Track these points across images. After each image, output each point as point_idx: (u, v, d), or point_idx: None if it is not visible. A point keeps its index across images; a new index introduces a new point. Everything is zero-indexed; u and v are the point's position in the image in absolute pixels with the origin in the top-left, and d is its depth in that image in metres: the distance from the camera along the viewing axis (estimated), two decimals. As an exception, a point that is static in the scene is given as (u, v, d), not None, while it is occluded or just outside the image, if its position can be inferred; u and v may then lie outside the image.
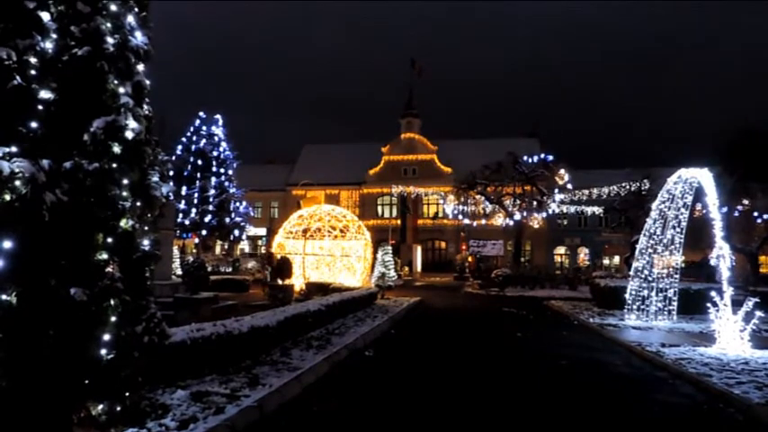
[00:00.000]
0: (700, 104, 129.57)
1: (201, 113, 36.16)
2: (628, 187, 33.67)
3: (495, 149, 38.51)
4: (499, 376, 8.44)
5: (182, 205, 32.57)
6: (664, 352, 9.95)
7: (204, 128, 35.92)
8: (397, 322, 14.80)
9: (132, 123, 4.72)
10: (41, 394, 4.00)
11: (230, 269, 32.24)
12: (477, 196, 35.85)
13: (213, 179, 34.50)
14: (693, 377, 8.01)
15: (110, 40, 4.66)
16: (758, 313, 10.25)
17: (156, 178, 5.09)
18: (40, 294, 4.08)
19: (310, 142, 59.83)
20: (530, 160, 34.60)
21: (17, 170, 3.87)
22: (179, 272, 18.74)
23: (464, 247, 43.98)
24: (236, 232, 35.62)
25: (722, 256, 11.42)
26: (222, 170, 35.18)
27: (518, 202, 34.97)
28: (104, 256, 4.45)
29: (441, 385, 7.68)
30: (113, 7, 4.78)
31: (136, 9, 5.08)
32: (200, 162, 34.62)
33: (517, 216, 33.86)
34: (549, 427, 5.92)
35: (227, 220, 34.54)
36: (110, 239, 4.49)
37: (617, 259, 44.85)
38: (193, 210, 33.47)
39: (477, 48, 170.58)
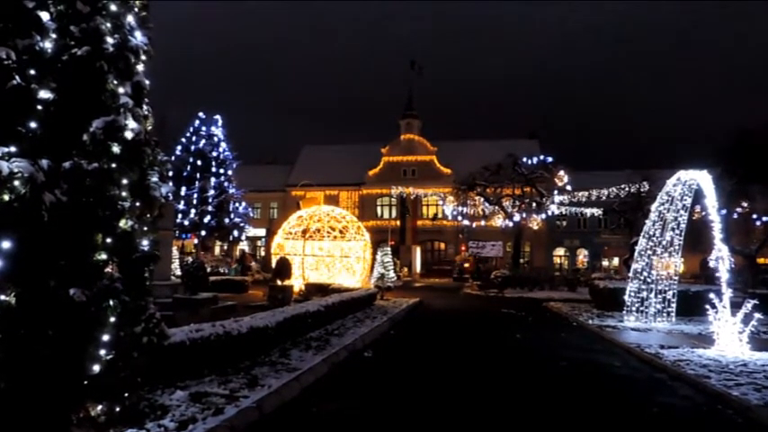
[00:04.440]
0: (699, 106, 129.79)
1: (201, 114, 36.17)
2: (627, 189, 33.64)
3: (494, 151, 38.53)
4: (498, 378, 8.44)
5: (181, 206, 32.52)
6: (662, 353, 9.95)
7: (204, 128, 35.89)
8: (397, 323, 14.80)
9: (132, 123, 4.72)
10: (40, 395, 4.00)
11: (231, 272, 32.20)
12: (477, 197, 35.79)
13: (212, 179, 34.45)
14: (692, 379, 8.02)
15: (109, 40, 4.66)
16: (757, 315, 10.26)
17: (155, 178, 5.08)
18: (39, 295, 4.07)
19: (310, 143, 59.84)
20: (529, 162, 34.59)
21: (16, 170, 3.87)
22: (178, 272, 18.72)
23: (463, 249, 43.97)
24: (236, 233, 35.59)
25: (721, 258, 11.43)
26: (221, 170, 35.15)
27: (517, 203, 34.95)
28: (103, 256, 4.44)
29: (440, 387, 7.68)
30: (113, 7, 4.77)
31: (135, 9, 5.08)
32: (199, 162, 34.58)
33: (516, 217, 33.84)
34: (549, 428, 5.92)
35: (227, 220, 34.50)
36: (109, 240, 4.48)
37: (616, 261, 44.87)
38: (193, 210, 33.42)
39: (478, 49, 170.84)
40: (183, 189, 33.29)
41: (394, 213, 49.93)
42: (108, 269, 4.51)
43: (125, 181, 4.63)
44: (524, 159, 34.60)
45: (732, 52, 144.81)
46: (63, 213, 4.20)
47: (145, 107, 5.10)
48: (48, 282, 4.15)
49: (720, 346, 10.39)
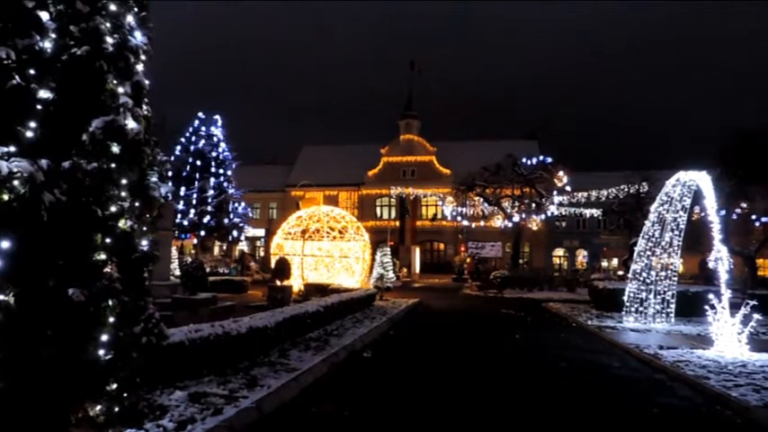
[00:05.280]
0: (699, 107, 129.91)
1: (201, 114, 36.15)
2: (626, 190, 33.66)
3: (494, 151, 38.54)
4: (498, 378, 8.44)
5: (180, 206, 32.50)
6: (662, 354, 9.96)
7: (203, 128, 35.88)
8: (396, 324, 14.79)
9: (131, 123, 4.71)
10: (39, 395, 3.99)
11: (231, 271, 32.15)
12: (476, 198, 35.80)
13: (212, 180, 34.46)
14: (691, 379, 8.02)
15: (109, 39, 4.66)
16: (756, 316, 10.26)
17: (154, 178, 5.08)
18: (38, 295, 4.06)
19: (309, 143, 59.93)
20: (529, 162, 34.61)
21: (16, 170, 3.86)
22: (177, 272, 18.71)
23: (463, 249, 43.98)
24: (235, 233, 35.57)
25: (720, 258, 11.44)
26: (221, 171, 35.14)
27: (517, 203, 34.95)
28: (103, 256, 4.43)
29: (439, 387, 7.68)
30: (113, 7, 4.77)
31: (135, 9, 5.07)
32: (198, 162, 34.58)
33: (516, 218, 33.84)
34: (549, 429, 5.92)
35: (226, 220, 34.48)
36: (108, 240, 4.47)
37: (615, 261, 44.88)
38: (192, 210, 33.41)
39: (477, 49, 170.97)
40: (183, 189, 33.28)
41: (393, 214, 49.99)
42: (107, 269, 4.50)
43: (124, 181, 4.62)
44: (524, 160, 34.62)
45: (731, 52, 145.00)
46: (62, 213, 4.20)
47: (144, 107, 5.10)
48: (47, 281, 4.14)
49: (719, 346, 10.39)
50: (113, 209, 4.51)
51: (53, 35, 4.40)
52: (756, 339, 11.19)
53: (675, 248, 14.25)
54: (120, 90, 4.74)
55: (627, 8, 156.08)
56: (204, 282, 14.44)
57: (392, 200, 49.07)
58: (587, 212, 37.49)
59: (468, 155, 45.04)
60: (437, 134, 66.32)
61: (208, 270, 20.40)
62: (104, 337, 4.35)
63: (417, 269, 40.62)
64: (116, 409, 4.52)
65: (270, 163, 59.44)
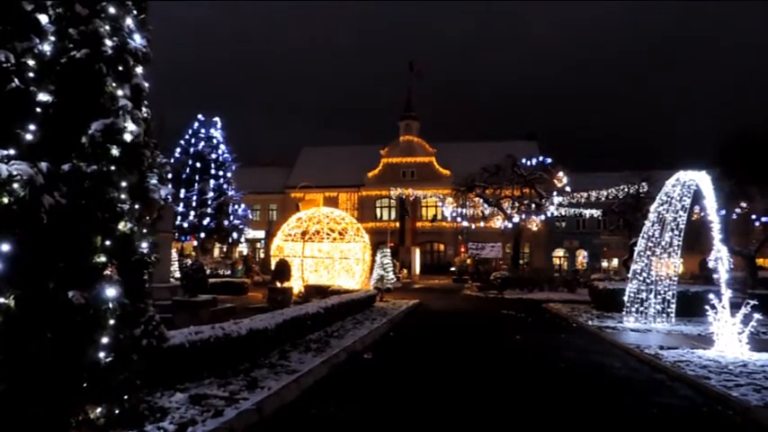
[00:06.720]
0: (698, 107, 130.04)
1: (200, 116, 36.17)
2: (626, 190, 33.64)
3: (493, 152, 38.55)
4: (498, 379, 8.43)
5: (180, 208, 32.51)
6: (662, 354, 9.95)
7: (203, 130, 35.90)
8: (396, 325, 14.78)
9: (131, 126, 4.72)
10: (39, 397, 3.99)
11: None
12: (476, 199, 35.80)
13: (212, 182, 34.47)
14: (692, 379, 8.02)
15: (108, 42, 4.66)
16: (756, 316, 10.25)
17: (154, 181, 5.09)
18: (38, 297, 4.07)
19: (309, 144, 59.90)
20: (528, 163, 34.63)
21: (15, 173, 3.87)
22: (177, 275, 18.70)
23: (463, 250, 44.00)
24: (235, 235, 35.57)
25: (720, 258, 11.43)
26: (221, 172, 35.15)
27: (516, 204, 34.96)
28: (103, 258, 4.44)
29: (439, 388, 7.67)
30: (112, 10, 4.77)
31: (134, 11, 5.08)
32: (198, 164, 34.59)
33: (516, 219, 33.83)
34: (549, 429, 5.92)
35: (226, 222, 34.48)
36: (108, 242, 4.48)
37: (615, 262, 44.88)
38: (192, 212, 33.41)
39: (477, 49, 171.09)
40: (183, 191, 33.31)
41: (393, 215, 50.03)
42: (107, 271, 4.51)
43: (124, 183, 4.63)
44: (523, 161, 34.64)
45: (732, 52, 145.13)
46: (62, 216, 4.20)
47: (144, 109, 5.11)
48: (47, 284, 4.14)
49: (720, 346, 10.38)
50: (113, 211, 4.51)
51: (52, 38, 4.41)
52: (757, 339, 11.17)
53: (675, 248, 14.25)
54: (120, 93, 4.75)
55: (627, 8, 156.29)
56: (204, 284, 14.43)
57: (392, 201, 49.11)
58: (587, 213, 37.49)
59: (467, 156, 45.05)
60: (437, 135, 66.57)
61: (208, 272, 20.41)
62: (104, 340, 4.35)
63: (417, 270, 40.64)
64: (116, 412, 4.52)
65: (270, 164, 59.38)
